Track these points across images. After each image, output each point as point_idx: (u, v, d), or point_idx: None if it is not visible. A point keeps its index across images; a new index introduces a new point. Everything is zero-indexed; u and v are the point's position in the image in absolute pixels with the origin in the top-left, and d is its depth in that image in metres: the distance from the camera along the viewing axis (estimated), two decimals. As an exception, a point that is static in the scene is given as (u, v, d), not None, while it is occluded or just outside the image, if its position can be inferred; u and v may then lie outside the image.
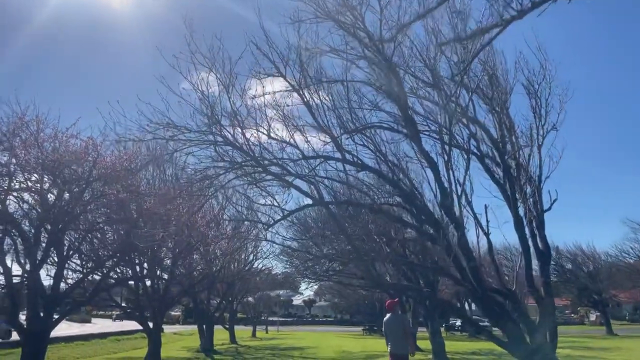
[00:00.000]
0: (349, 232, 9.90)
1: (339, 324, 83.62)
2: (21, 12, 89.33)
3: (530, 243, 10.27)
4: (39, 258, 14.26)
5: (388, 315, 11.70)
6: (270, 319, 67.41)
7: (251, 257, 32.35)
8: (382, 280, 9.12)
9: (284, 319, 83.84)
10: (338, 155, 10.09)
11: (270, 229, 11.23)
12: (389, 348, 11.59)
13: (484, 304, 9.18)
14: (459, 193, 9.15)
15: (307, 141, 10.07)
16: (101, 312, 77.32)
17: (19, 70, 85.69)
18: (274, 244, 35.06)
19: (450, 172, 9.09)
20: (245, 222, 25.47)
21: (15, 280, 15.30)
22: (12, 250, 15.85)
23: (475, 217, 9.68)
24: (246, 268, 32.68)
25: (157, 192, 15.12)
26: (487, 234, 9.63)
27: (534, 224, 10.50)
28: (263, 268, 34.35)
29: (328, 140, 9.72)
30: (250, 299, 49.81)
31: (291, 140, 9.90)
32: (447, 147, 9.36)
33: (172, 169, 21.05)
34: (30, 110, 14.91)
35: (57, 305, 15.18)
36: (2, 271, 14.29)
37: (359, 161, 10.14)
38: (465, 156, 9.63)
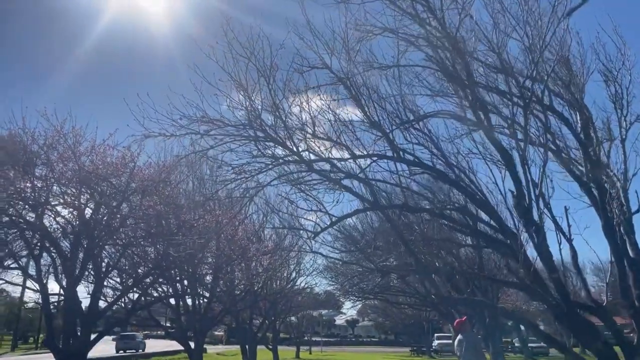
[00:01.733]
0: (408, 240, 8.73)
1: (384, 345, 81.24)
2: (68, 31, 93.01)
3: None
4: (76, 274, 13.64)
5: (459, 336, 10.68)
6: (313, 339, 66.01)
7: (294, 274, 31.38)
8: (447, 294, 7.90)
9: (327, 339, 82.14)
10: (390, 153, 9.01)
11: (316, 239, 10.17)
12: None
13: (571, 322, 7.79)
14: (537, 193, 7.85)
15: (357, 138, 9.03)
16: (146, 332, 77.79)
17: (62, 91, 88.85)
18: (316, 260, 34.03)
19: (527, 169, 7.82)
20: (288, 235, 24.71)
21: (53, 299, 14.80)
22: (50, 268, 15.39)
23: (555, 221, 8.33)
24: (289, 285, 31.70)
25: (195, 202, 14.31)
26: (569, 240, 8.26)
27: (622, 229, 9.06)
28: (306, 286, 33.27)
29: (379, 135, 8.66)
30: (293, 318, 48.69)
31: (339, 138, 8.89)
32: (521, 142, 8.11)
33: (211, 178, 20.44)
34: (68, 123, 14.55)
35: (95, 323, 14.50)
36: (39, 289, 13.77)
37: (415, 159, 9.00)
38: (542, 151, 8.34)
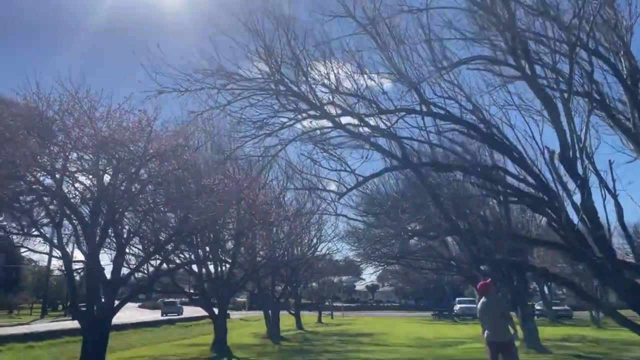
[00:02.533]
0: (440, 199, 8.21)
1: (404, 309, 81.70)
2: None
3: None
4: (97, 241, 13.49)
5: (483, 299, 10.14)
6: (334, 304, 66.56)
7: (315, 240, 31.24)
8: (482, 255, 7.44)
9: (348, 305, 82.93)
10: (419, 108, 8.42)
11: (339, 201, 9.72)
12: (484, 335, 10.03)
13: (616, 282, 7.27)
14: (581, 145, 7.24)
15: (384, 92, 8.45)
16: (171, 299, 79.34)
17: (76, 58, 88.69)
18: (338, 226, 33.51)
19: (571, 120, 7.19)
20: (309, 200, 24.38)
21: (76, 266, 14.74)
22: (72, 236, 15.31)
23: (599, 175, 7.74)
24: (310, 252, 31.61)
25: (214, 163, 13.93)
26: (614, 196, 7.67)
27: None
28: (327, 252, 33.14)
29: (407, 87, 8.06)
30: (314, 284, 48.94)
31: (363, 93, 8.33)
32: (564, 92, 7.45)
33: (230, 136, 20.02)
34: (82, 89, 14.19)
35: (118, 290, 14.45)
36: (61, 256, 13.71)
37: (446, 113, 8.41)
38: (586, 101, 7.67)
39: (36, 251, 15.60)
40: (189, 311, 50.90)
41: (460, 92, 8.97)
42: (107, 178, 14.20)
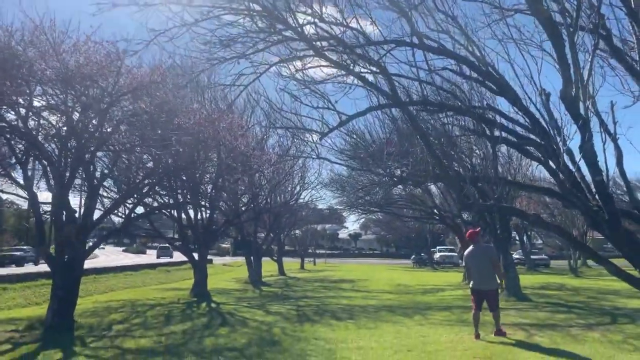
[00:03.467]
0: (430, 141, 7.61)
1: (386, 257, 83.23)
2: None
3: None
4: (66, 182, 12.77)
5: (470, 247, 9.98)
6: (317, 251, 67.30)
7: (298, 187, 30.85)
8: (472, 201, 6.98)
9: (330, 252, 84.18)
10: (409, 40, 7.68)
11: (323, 143, 9.10)
12: (471, 284, 9.86)
13: (612, 231, 6.87)
14: (584, 83, 6.64)
15: (373, 22, 7.66)
16: (156, 244, 79.32)
17: None
18: (321, 173, 32.88)
19: (575, 54, 6.54)
20: (292, 145, 23.72)
21: (45, 207, 14.10)
22: (41, 177, 14.56)
23: (600, 117, 7.20)
24: (293, 199, 31.28)
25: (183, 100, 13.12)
26: (615, 139, 7.15)
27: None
28: (310, 199, 32.82)
29: (397, 14, 7.30)
30: (297, 232, 49.09)
31: (350, 22, 7.53)
32: (569, 20, 6.76)
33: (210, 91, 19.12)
34: (47, 18, 13.04)
35: (89, 233, 13.88)
36: (28, 197, 13.01)
37: (440, 47, 7.69)
38: (593, 37, 7.00)
39: (5, 192, 14.91)
40: (178, 256, 51.05)
41: (454, 25, 8.22)
42: (76, 115, 13.33)
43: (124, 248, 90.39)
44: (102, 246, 77.51)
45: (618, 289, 19.40)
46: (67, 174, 12.64)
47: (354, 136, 12.37)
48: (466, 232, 10.60)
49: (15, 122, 12.97)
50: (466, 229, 26.71)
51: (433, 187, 25.01)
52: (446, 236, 64.61)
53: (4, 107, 12.42)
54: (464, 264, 10.45)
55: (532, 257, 44.61)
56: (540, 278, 29.95)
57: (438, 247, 57.35)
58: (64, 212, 13.01)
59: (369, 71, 7.50)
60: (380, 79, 7.86)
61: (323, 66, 7.35)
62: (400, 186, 18.15)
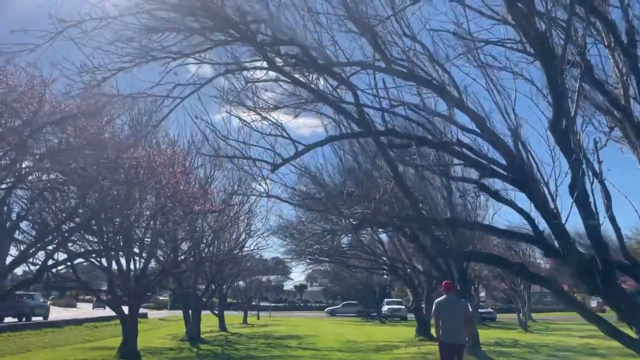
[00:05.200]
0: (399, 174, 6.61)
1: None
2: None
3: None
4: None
5: (444, 296, 9.32)
6: (262, 304, 64.54)
7: (243, 235, 29.12)
8: (451, 246, 6.02)
9: (275, 305, 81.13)
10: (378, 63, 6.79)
11: (275, 178, 7.92)
12: (439, 334, 8.95)
13: (607, 284, 5.97)
14: (573, 112, 5.90)
15: (334, 42, 6.72)
16: (88, 297, 73.40)
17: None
18: (269, 219, 31.11)
19: (563, 85, 5.81)
20: (240, 186, 22.25)
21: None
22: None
23: (585, 156, 6.45)
24: (238, 248, 29.47)
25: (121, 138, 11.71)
26: (602, 181, 6.41)
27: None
28: (256, 247, 31.06)
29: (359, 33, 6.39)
30: (241, 283, 46.71)
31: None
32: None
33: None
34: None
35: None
36: None
37: (410, 72, 6.83)
38: (578, 70, 6.32)
39: None
40: (101, 311, 47.06)
41: (423, 52, 7.43)
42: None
43: (51, 301, 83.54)
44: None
45: (573, 346, 18.83)
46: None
47: (307, 174, 11.23)
48: (443, 284, 9.98)
49: None
50: (418, 279, 25.92)
51: (383, 235, 24.14)
52: (392, 288, 63.77)
53: None
54: (432, 314, 9.62)
55: (479, 310, 44.22)
56: (491, 333, 29.29)
57: (385, 300, 56.21)
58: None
59: (330, 90, 6.48)
60: (343, 107, 6.85)
61: (280, 80, 6.28)
62: (351, 234, 17.06)
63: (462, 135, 7.65)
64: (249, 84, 6.31)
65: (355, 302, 63.02)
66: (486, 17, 7.62)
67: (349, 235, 18.17)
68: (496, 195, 8.04)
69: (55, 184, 12.09)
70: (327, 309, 64.70)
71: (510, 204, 7.47)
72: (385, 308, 53.30)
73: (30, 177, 12.89)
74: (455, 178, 8.28)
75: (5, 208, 12.91)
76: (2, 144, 11.76)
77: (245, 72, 6.25)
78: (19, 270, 22.56)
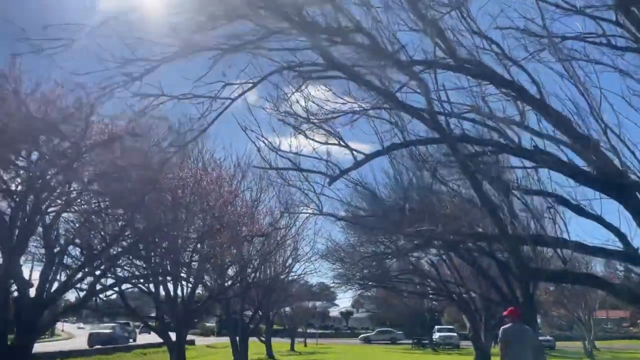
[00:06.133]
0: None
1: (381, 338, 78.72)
2: None
3: None
4: (13, 245, 10.66)
5: (510, 324, 8.40)
6: (308, 331, 63.41)
7: (290, 260, 28.46)
8: (541, 266, 5.18)
9: (321, 331, 79.67)
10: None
11: (327, 189, 7.23)
12: None
13: None
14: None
15: (395, 39, 6.06)
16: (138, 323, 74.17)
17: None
18: (316, 242, 30.17)
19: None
20: (286, 211, 21.71)
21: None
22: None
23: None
24: (285, 273, 28.82)
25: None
26: None
27: None
28: (304, 272, 30.32)
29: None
30: (287, 309, 45.99)
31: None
32: None
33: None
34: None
35: (43, 310, 11.56)
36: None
37: (487, 71, 6.07)
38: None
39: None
40: (150, 336, 47.07)
41: (491, 50, 6.66)
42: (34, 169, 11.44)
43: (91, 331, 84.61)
44: (81, 325, 72.67)
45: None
46: (15, 236, 10.53)
47: (362, 188, 10.34)
48: (508, 310, 9.06)
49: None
50: (475, 304, 24.40)
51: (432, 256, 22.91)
52: (441, 315, 61.23)
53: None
54: (500, 344, 8.65)
55: (539, 337, 41.74)
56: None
57: (437, 327, 53.92)
58: (12, 282, 10.80)
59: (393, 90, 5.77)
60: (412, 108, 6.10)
61: (337, 77, 5.63)
62: (409, 255, 16.06)
63: (538, 140, 6.75)
64: (302, 84, 5.70)
65: (390, 329, 61.15)
66: (563, 9, 6.82)
67: (403, 257, 17.18)
68: (579, 210, 7.06)
69: (102, 207, 11.82)
70: (360, 336, 62.46)
71: (598, 219, 6.52)
72: (436, 335, 51.02)
73: (78, 201, 12.79)
74: (531, 191, 7.34)
75: (55, 233, 12.75)
76: (51, 168, 11.66)
77: (301, 70, 5.63)
78: (71, 297, 22.57)
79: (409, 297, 38.17)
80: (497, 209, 5.61)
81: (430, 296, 30.10)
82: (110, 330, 36.84)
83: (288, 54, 5.41)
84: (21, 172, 11.67)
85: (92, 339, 35.11)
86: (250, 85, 5.47)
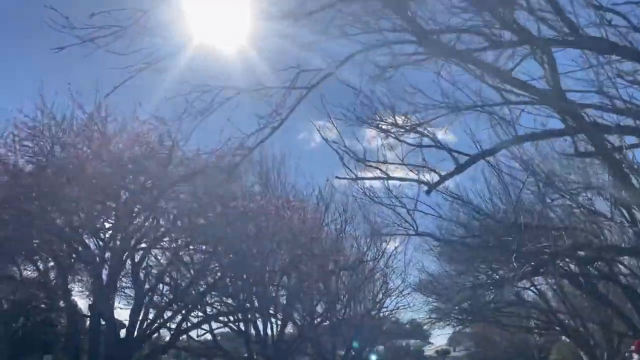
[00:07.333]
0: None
1: (482, 378, 73.48)
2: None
3: None
4: (106, 286, 10.63)
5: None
6: (402, 371, 60.50)
7: (380, 295, 27.11)
8: None
9: (417, 372, 75.91)
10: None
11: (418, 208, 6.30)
12: None
13: None
14: None
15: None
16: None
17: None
18: (408, 274, 28.01)
19: None
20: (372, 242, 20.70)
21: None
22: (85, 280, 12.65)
23: None
24: (375, 308, 27.49)
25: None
26: None
27: None
28: (395, 308, 28.78)
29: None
30: (380, 347, 44.07)
31: None
32: None
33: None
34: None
35: (134, 350, 11.38)
36: (64, 305, 10.95)
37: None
38: None
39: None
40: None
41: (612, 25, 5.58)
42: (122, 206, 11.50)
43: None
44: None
45: None
46: (105, 274, 10.51)
47: (462, 202, 8.93)
48: (636, 343, 7.61)
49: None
50: (594, 339, 21.64)
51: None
52: (549, 351, 55.85)
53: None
54: None
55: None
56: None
57: (546, 367, 49.16)
58: (102, 320, 10.74)
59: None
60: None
61: (429, 59, 4.77)
62: (515, 284, 14.29)
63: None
64: (392, 67, 4.94)
65: None
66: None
67: (510, 286, 15.42)
68: None
69: (188, 241, 11.62)
70: None
71: None
72: (547, 377, 46.45)
73: (166, 238, 12.73)
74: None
75: (144, 271, 12.74)
76: (137, 205, 11.70)
77: (391, 49, 4.89)
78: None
79: (513, 332, 35.02)
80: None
81: (536, 330, 27.30)
82: None
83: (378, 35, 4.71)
84: (113, 213, 11.82)
85: None
86: (327, 73, 4.80)
